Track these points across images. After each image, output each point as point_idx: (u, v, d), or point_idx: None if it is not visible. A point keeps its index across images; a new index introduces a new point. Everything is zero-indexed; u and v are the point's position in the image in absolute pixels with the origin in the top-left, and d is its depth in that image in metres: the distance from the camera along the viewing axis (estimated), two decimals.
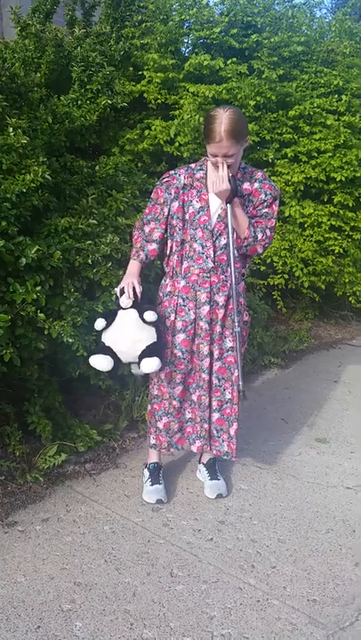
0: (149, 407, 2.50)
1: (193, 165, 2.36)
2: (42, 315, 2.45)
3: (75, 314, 2.59)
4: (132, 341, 2.26)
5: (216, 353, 2.37)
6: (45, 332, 2.49)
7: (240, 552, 2.20)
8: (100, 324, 2.31)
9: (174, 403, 2.42)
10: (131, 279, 2.34)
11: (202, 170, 2.32)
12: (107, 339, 2.31)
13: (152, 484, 2.51)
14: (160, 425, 2.45)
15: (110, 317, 2.31)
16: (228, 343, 2.38)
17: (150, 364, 2.22)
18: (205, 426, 2.43)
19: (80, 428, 2.83)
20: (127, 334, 2.26)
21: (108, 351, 2.28)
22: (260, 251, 2.35)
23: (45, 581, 1.98)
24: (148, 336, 2.26)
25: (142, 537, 2.25)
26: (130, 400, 3.15)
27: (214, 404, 2.42)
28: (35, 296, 2.39)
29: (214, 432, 2.44)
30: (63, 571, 2.03)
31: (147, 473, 2.57)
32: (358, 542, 2.29)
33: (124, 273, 2.42)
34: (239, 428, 2.48)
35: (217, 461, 2.65)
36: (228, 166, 2.18)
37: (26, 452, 2.65)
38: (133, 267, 2.39)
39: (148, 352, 2.23)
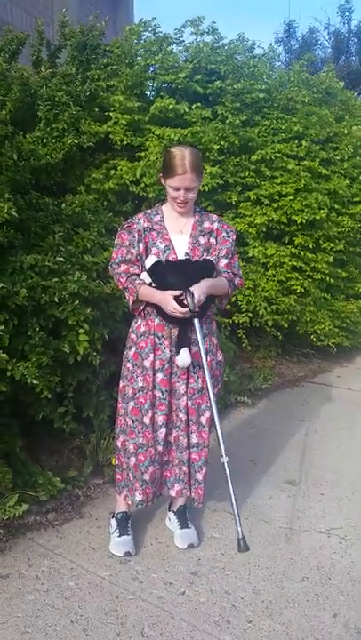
0: (133, 460, 2.31)
1: (149, 211, 2.40)
2: (4, 355, 2.35)
3: (39, 354, 2.49)
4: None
5: (188, 391, 2.31)
6: (8, 374, 2.37)
7: (214, 606, 2.09)
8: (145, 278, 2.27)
9: (159, 448, 2.31)
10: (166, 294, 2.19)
11: (158, 214, 2.35)
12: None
13: (120, 536, 2.38)
14: (147, 477, 2.30)
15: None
16: (200, 383, 2.33)
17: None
18: (184, 468, 2.34)
19: (42, 476, 2.68)
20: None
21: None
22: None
23: None
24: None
25: (110, 593, 2.11)
26: (95, 443, 3.01)
27: (183, 443, 2.34)
28: None
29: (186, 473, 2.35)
30: (25, 635, 1.87)
31: (114, 523, 2.43)
32: (335, 591, 2.22)
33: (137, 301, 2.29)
34: (208, 472, 2.40)
35: (187, 509, 2.55)
36: (186, 202, 2.24)
37: None
38: (147, 289, 2.23)
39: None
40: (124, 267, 2.29)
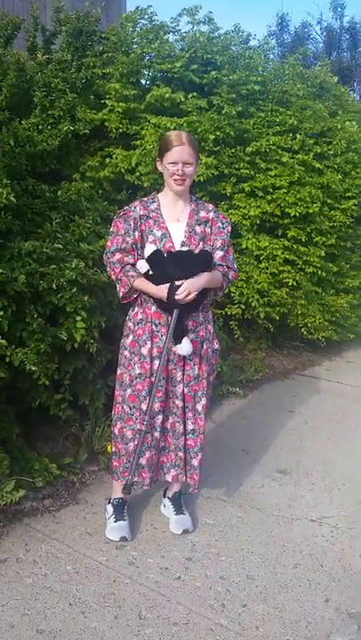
0: (131, 445, 2.33)
1: (146, 199, 2.40)
2: (3, 341, 2.34)
3: (38, 340, 2.49)
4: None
5: (184, 379, 2.34)
6: (7, 360, 2.37)
7: (209, 590, 2.13)
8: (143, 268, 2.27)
9: (156, 434, 2.33)
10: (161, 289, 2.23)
11: (155, 202, 2.36)
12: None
13: (116, 521, 2.40)
14: (143, 461, 2.32)
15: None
16: (196, 370, 2.35)
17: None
18: (180, 454, 2.37)
19: (38, 462, 2.69)
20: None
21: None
22: None
23: (5, 631, 1.83)
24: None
25: (107, 577, 2.14)
26: (90, 431, 3.02)
27: (179, 429, 2.37)
28: None
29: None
30: (24, 617, 1.89)
31: (110, 509, 2.46)
32: (326, 577, 2.27)
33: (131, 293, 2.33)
34: (203, 458, 2.44)
35: (182, 495, 2.58)
36: (184, 178, 2.26)
37: None
38: (143, 282, 2.26)
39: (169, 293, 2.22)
40: (118, 256, 2.29)
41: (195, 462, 2.39)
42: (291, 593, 2.16)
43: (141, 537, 2.42)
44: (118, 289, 2.33)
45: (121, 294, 2.32)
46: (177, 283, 2.18)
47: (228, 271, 2.38)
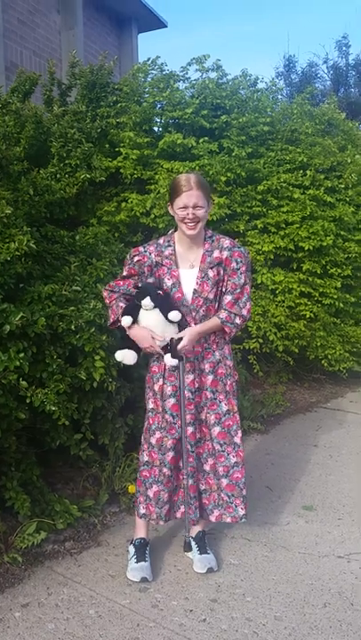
0: (138, 475, 2.43)
1: (161, 241, 2.37)
2: (24, 382, 2.39)
3: (57, 381, 2.53)
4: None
5: (212, 418, 2.36)
6: (27, 401, 2.41)
7: (236, 633, 2.07)
8: (127, 320, 2.26)
9: (165, 470, 2.34)
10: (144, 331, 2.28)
11: (170, 246, 2.34)
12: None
13: (137, 562, 2.38)
14: (150, 493, 2.37)
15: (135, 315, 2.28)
16: (224, 407, 2.36)
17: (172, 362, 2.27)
18: (191, 493, 2.37)
19: (59, 504, 2.68)
20: (155, 330, 2.26)
21: (133, 347, 2.31)
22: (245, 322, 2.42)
23: None
24: (173, 331, 2.27)
25: (131, 621, 2.10)
26: (110, 471, 3.02)
27: (220, 470, 2.37)
28: (18, 363, 2.33)
29: (225, 498, 2.38)
30: None
31: (132, 549, 2.43)
32: (358, 617, 2.18)
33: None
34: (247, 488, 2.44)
35: (206, 535, 2.54)
36: (197, 220, 2.23)
37: (2, 530, 2.49)
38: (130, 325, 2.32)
39: (170, 346, 2.27)
40: (116, 291, 2.35)
41: (244, 492, 2.40)
42: (321, 634, 2.09)
43: (165, 578, 2.38)
44: (109, 314, 2.37)
45: (111, 320, 2.35)
46: (176, 337, 2.24)
47: (234, 318, 2.30)
